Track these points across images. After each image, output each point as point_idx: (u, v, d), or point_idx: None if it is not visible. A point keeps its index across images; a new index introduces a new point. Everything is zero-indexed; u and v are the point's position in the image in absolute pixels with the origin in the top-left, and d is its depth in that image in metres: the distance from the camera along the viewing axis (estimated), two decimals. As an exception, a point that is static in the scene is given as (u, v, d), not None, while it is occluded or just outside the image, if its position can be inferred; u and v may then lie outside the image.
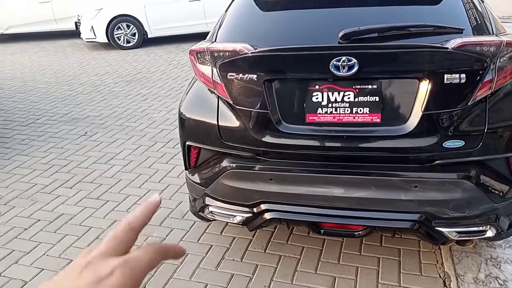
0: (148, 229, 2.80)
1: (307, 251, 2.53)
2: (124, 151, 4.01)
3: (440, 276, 2.28)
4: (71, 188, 3.39)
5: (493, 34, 1.95)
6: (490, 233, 1.97)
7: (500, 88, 1.86)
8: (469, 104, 1.81)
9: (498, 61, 1.80)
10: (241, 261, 2.49)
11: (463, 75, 1.78)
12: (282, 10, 2.32)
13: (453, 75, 1.78)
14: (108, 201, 3.17)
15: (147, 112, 5.06)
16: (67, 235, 2.79)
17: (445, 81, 1.78)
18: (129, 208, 3.06)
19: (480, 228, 1.96)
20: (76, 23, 9.71)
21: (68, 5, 10.18)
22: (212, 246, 2.62)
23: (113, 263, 0.39)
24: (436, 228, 1.94)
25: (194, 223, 2.84)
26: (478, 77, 1.79)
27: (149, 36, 9.15)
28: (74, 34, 9.91)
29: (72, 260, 2.37)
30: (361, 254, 2.49)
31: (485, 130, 1.84)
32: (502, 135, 1.89)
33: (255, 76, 1.94)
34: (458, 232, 1.95)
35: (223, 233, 2.73)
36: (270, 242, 2.63)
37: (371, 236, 2.60)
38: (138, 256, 0.41)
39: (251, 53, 1.91)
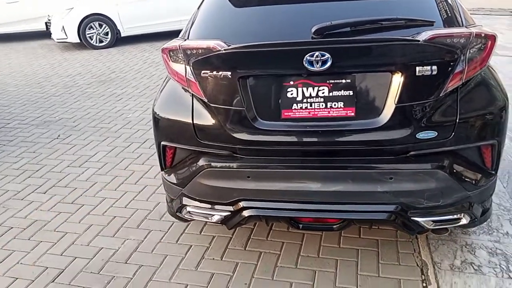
0: (125, 232, 2.76)
1: (287, 246, 2.54)
2: (99, 153, 3.93)
3: (417, 265, 2.32)
4: (45, 193, 3.30)
5: (462, 26, 1.97)
6: (464, 220, 2.01)
7: (470, 78, 1.89)
8: (441, 95, 1.84)
9: (468, 52, 1.83)
10: (221, 259, 2.47)
11: (434, 67, 1.80)
12: (255, 6, 2.30)
13: (425, 67, 1.80)
14: (83, 205, 3.10)
15: (121, 112, 4.97)
16: (41, 242, 2.71)
17: (417, 73, 1.80)
18: (105, 211, 3.00)
19: (455, 216, 1.99)
20: (46, 23, 9.47)
21: (38, 5, 9.92)
22: (191, 246, 2.60)
23: None
24: (412, 218, 1.97)
25: (173, 224, 2.80)
26: (449, 69, 1.82)
27: (122, 35, 9.00)
28: (45, 34, 9.67)
29: (47, 268, 2.29)
30: (340, 247, 2.51)
31: (457, 121, 1.87)
32: (474, 124, 1.93)
33: (229, 73, 1.91)
34: (434, 221, 1.99)
35: (202, 233, 2.71)
36: (250, 239, 2.62)
37: (349, 229, 2.62)
38: None
39: (225, 50, 1.89)
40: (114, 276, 2.38)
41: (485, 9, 10.85)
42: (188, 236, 2.69)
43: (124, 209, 3.01)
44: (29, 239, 2.75)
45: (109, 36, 8.88)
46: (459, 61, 1.82)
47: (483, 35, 1.86)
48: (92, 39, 8.79)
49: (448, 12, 2.04)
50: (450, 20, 2.01)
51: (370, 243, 2.52)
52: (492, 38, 1.88)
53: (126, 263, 2.48)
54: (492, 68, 2.18)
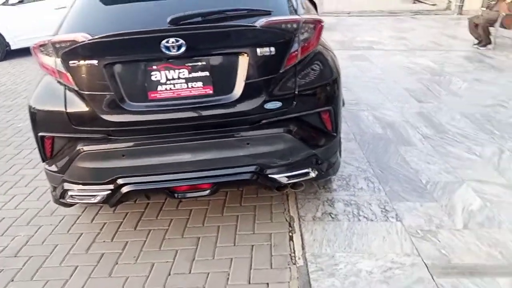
0: (14, 230, 2.79)
1: (175, 222, 2.77)
2: (-13, 163, 3.83)
3: (286, 220, 2.70)
4: None
5: (296, 13, 2.38)
6: (312, 174, 2.40)
7: (305, 57, 2.29)
8: (281, 71, 2.20)
9: (300, 35, 2.22)
10: (112, 241, 2.63)
11: (272, 48, 2.16)
12: (121, 3, 2.52)
13: (265, 48, 2.15)
14: (-31, 211, 3.05)
15: (12, 122, 4.84)
16: None
17: (258, 54, 2.14)
18: (-6, 214, 2.99)
19: (304, 171, 2.38)
20: None
21: None
22: (82, 234, 2.72)
23: None
24: (269, 175, 2.32)
25: (64, 217, 2.90)
26: (285, 49, 2.19)
27: (12, 48, 8.55)
28: None
29: None
30: (223, 215, 2.80)
31: (296, 92, 2.26)
32: (311, 94, 2.33)
33: (96, 61, 2.11)
34: (287, 177, 2.36)
35: (93, 221, 2.84)
36: (140, 221, 2.81)
37: (232, 198, 2.95)
38: None
39: (89, 40, 2.08)
40: (2, 269, 2.42)
41: (367, 11, 12.03)
42: (79, 225, 2.81)
43: (14, 210, 3.02)
44: None
45: (-2, 49, 8.39)
46: (293, 42, 2.20)
47: (311, 20, 2.28)
48: (-21, 54, 8.24)
49: (285, 3, 2.43)
50: (286, 9, 2.40)
51: (249, 208, 2.85)
52: (319, 22, 2.30)
53: (15, 256, 2.54)
54: (330, 50, 2.61)
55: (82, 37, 2.10)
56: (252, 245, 2.50)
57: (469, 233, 2.49)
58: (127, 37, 2.10)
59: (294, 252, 2.42)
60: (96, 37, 2.09)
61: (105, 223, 2.80)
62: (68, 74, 2.17)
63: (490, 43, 7.27)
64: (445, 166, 3.26)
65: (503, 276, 2.15)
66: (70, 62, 2.14)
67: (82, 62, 2.12)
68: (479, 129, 3.94)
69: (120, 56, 2.15)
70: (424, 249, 2.36)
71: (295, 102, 2.26)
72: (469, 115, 4.28)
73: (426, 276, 2.17)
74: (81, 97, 2.20)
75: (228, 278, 2.27)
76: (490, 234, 2.48)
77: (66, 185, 2.33)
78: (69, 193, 2.34)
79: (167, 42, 2.06)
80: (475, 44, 7.45)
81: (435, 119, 4.22)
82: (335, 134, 2.48)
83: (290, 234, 2.57)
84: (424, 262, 2.26)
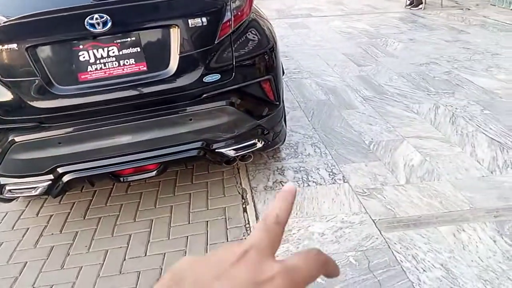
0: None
1: (126, 206, 2.71)
2: None
3: (239, 193, 2.72)
4: None
5: None
6: (259, 145, 2.42)
7: (238, 26, 2.25)
8: (216, 42, 2.16)
9: (231, 4, 2.18)
10: (60, 233, 2.53)
11: (204, 19, 2.10)
12: None
13: (196, 19, 2.09)
14: None
15: None
16: None
17: (190, 26, 2.09)
18: None
19: (250, 142, 2.39)
20: None
21: None
22: (28, 228, 2.59)
23: (275, 268, 0.32)
24: (216, 150, 2.31)
25: (6, 214, 2.74)
26: (218, 19, 2.14)
27: None
28: None
29: None
30: (175, 195, 2.77)
31: (234, 63, 2.23)
32: (249, 64, 2.32)
33: (16, 45, 1.96)
34: (235, 149, 2.36)
35: (39, 215, 2.71)
36: (89, 209, 2.72)
37: (183, 177, 2.92)
38: (298, 264, 0.33)
39: (4, 23, 1.92)
40: None
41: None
42: (24, 221, 2.67)
43: None
44: None
45: None
46: (225, 11, 2.16)
47: None
48: None
49: None
50: None
51: (201, 185, 2.84)
52: (249, -10, 2.27)
53: (-46, 261, 2.38)
54: (264, 18, 2.59)
55: None
56: (207, 221, 2.50)
57: (411, 187, 2.64)
58: (47, 16, 1.96)
59: (248, 223, 2.45)
60: (13, 18, 1.93)
61: (51, 215, 2.68)
62: None
63: (421, 3, 7.55)
64: (386, 125, 3.40)
65: (444, 224, 2.31)
66: (-12, 48, 1.97)
67: (0, 47, 1.96)
68: (415, 87, 4.13)
69: (42, 38, 2.01)
70: (371, 206, 2.48)
71: (234, 74, 2.24)
72: (406, 74, 4.47)
73: (375, 231, 2.29)
74: (5, 85, 2.05)
75: (185, 256, 2.26)
76: (430, 186, 2.64)
77: (2, 180, 2.19)
78: (7, 187, 2.21)
79: (91, 18, 1.95)
80: (407, 6, 7.70)
81: (374, 81, 4.36)
82: (277, 103, 2.49)
83: (244, 206, 2.59)
84: (372, 219, 2.38)
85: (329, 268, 0.35)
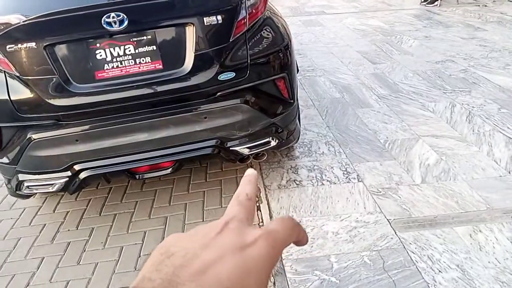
0: (-30, 228, 2.66)
1: (141, 204, 2.73)
2: None
3: (252, 191, 2.72)
4: None
5: None
6: (273, 143, 2.42)
7: (253, 24, 2.25)
8: (231, 40, 2.16)
9: (246, 2, 2.18)
10: (77, 229, 2.57)
11: (219, 17, 2.11)
12: None
13: (211, 17, 2.10)
14: None
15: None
16: None
17: (205, 24, 2.09)
18: None
19: (265, 140, 2.39)
20: None
21: None
22: (45, 224, 2.63)
23: (257, 232, 0.34)
24: (231, 148, 2.31)
25: (24, 210, 2.79)
26: (233, 17, 2.14)
27: None
28: None
29: None
30: (189, 193, 2.79)
31: (249, 61, 2.23)
32: (264, 62, 2.31)
33: (34, 43, 1.98)
34: (249, 147, 2.36)
35: (56, 211, 2.75)
36: (105, 206, 2.75)
37: (197, 175, 2.93)
38: (276, 228, 0.36)
39: (23, 22, 1.95)
40: (-38, 270, 2.33)
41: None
42: (42, 217, 2.72)
43: (-32, 208, 2.88)
44: None
45: None
46: (240, 9, 2.16)
47: None
48: None
49: None
50: None
51: (215, 183, 2.85)
52: (265, -12, 2.26)
53: (-25, 255, 2.44)
54: (279, 15, 2.58)
55: (15, 18, 1.96)
56: (221, 219, 2.51)
57: (427, 186, 2.61)
58: (65, 15, 1.98)
59: (262, 221, 2.45)
60: (32, 17, 1.96)
61: (68, 212, 2.73)
62: (7, 60, 2.03)
63: None
64: (401, 124, 3.37)
65: (460, 225, 2.28)
66: (7, 46, 2.00)
67: (19, 45, 1.99)
68: (431, 85, 4.08)
69: (60, 36, 2.03)
70: (386, 206, 2.46)
71: (248, 71, 2.24)
72: (421, 72, 4.41)
73: (389, 231, 2.27)
74: (24, 82, 2.08)
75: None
76: (446, 186, 2.60)
77: (21, 176, 2.23)
78: (25, 184, 2.25)
79: (108, 17, 1.97)
80: (422, 2, 7.60)
81: (389, 79, 4.32)
82: (292, 101, 2.49)
83: (257, 204, 2.59)
84: (387, 219, 2.36)
85: (300, 234, 0.39)
